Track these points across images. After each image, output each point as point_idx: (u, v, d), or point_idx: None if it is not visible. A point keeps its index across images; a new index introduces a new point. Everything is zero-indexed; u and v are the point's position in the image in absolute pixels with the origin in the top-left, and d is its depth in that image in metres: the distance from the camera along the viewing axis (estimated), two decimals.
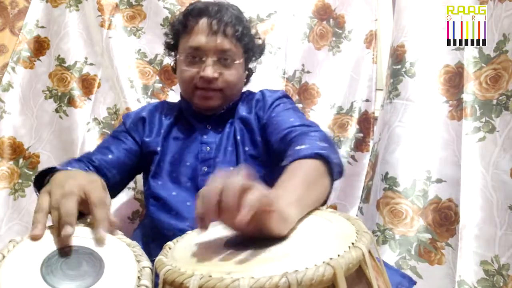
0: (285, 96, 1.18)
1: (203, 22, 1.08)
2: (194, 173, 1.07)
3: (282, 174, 0.77)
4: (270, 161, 1.06)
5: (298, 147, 0.84)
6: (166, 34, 1.21)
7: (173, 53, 1.21)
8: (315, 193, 0.75)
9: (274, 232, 0.56)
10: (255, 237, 0.56)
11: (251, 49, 1.17)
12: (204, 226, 0.55)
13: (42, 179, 0.87)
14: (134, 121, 1.16)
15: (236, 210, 0.50)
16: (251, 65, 1.24)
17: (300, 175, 0.76)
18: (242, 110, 1.14)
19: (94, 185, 0.69)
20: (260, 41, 1.23)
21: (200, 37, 1.07)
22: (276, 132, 1.01)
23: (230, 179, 0.52)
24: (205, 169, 1.06)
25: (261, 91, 1.18)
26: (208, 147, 1.09)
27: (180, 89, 1.18)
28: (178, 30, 1.14)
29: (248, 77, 1.25)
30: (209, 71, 1.05)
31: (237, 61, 1.10)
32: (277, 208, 0.56)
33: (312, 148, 0.82)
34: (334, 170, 0.82)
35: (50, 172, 0.85)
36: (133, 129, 1.15)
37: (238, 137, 1.09)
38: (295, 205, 0.64)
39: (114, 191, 1.09)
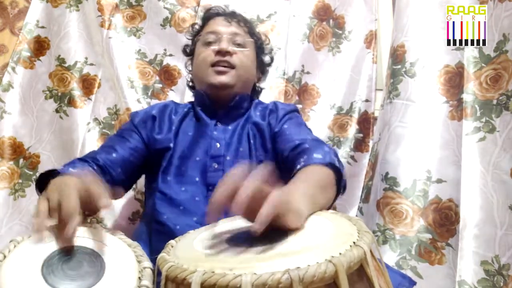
0: (297, 110, 1.24)
1: (220, 18, 1.23)
2: (203, 169, 1.09)
3: (295, 175, 0.82)
4: (277, 168, 1.09)
5: (315, 155, 0.90)
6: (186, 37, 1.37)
7: (187, 56, 1.34)
8: (324, 196, 0.79)
9: (291, 227, 0.58)
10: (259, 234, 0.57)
11: (260, 49, 1.27)
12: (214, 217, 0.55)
13: (44, 181, 0.87)
14: (143, 118, 1.18)
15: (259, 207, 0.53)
16: (262, 79, 1.34)
17: (314, 178, 0.81)
18: (256, 117, 1.18)
19: (92, 179, 0.69)
20: (268, 52, 1.36)
21: (216, 25, 1.21)
22: (288, 141, 1.05)
23: (251, 177, 0.55)
24: (216, 166, 1.09)
25: (274, 102, 1.24)
26: (218, 143, 1.12)
27: (195, 76, 1.26)
28: (197, 29, 1.29)
29: (259, 91, 1.34)
30: (224, 44, 1.16)
31: (249, 43, 1.22)
32: (292, 204, 0.59)
33: (326, 158, 0.88)
34: (341, 184, 0.88)
35: (51, 174, 0.86)
36: (142, 126, 1.17)
37: (252, 141, 1.13)
38: (307, 201, 0.66)
39: (121, 189, 1.11)
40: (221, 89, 1.15)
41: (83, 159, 1.04)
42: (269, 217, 0.52)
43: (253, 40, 1.25)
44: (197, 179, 1.08)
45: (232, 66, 1.15)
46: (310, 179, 0.80)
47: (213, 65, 1.15)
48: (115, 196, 1.09)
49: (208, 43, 1.19)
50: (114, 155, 1.08)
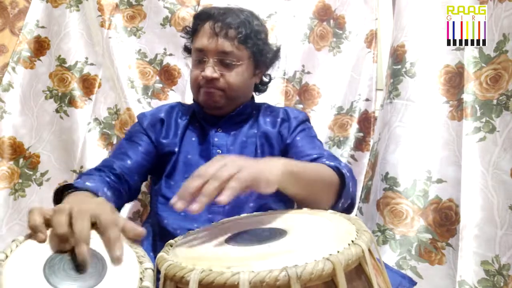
0: (308, 120, 1.22)
1: (207, 25, 1.10)
2: None
3: None
4: None
5: (326, 162, 0.92)
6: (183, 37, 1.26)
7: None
8: (318, 186, 0.81)
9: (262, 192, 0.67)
10: (255, 234, 0.57)
11: (258, 52, 1.14)
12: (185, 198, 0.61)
13: (60, 194, 0.87)
14: (152, 121, 1.17)
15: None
16: (268, 72, 1.25)
17: (312, 165, 0.84)
18: (265, 124, 1.16)
19: (102, 207, 0.66)
20: (272, 46, 1.22)
21: (203, 39, 1.09)
22: (302, 154, 1.05)
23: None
24: None
25: (285, 110, 1.21)
26: (219, 150, 1.11)
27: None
28: (190, 35, 1.19)
29: (265, 84, 1.27)
30: (209, 71, 1.06)
31: (239, 63, 1.10)
32: (262, 178, 0.66)
33: (336, 165, 0.89)
34: (344, 194, 0.88)
35: (68, 189, 0.86)
36: (151, 129, 1.15)
37: (259, 151, 1.12)
38: (283, 171, 0.72)
39: (134, 194, 1.11)
40: (212, 108, 1.14)
41: (100, 169, 1.02)
42: (236, 191, 0.60)
43: (246, 49, 1.12)
44: None
45: (221, 89, 1.10)
46: (306, 163, 0.81)
47: (201, 87, 1.10)
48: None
49: (197, 62, 1.11)
50: (129, 162, 1.06)
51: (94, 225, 0.65)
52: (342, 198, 0.89)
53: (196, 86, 1.12)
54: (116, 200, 0.95)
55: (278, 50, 1.24)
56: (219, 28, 1.07)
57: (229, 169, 0.63)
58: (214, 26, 1.08)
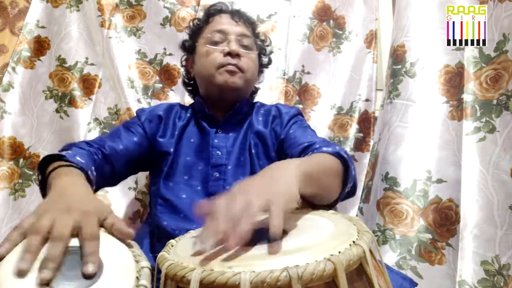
0: (300, 113, 1.22)
1: (226, 15, 1.19)
2: (205, 178, 1.08)
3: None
4: None
5: (324, 149, 0.89)
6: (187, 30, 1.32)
7: (186, 52, 1.29)
8: (328, 180, 0.79)
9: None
10: (256, 233, 0.57)
11: (263, 49, 1.28)
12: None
13: (46, 164, 0.86)
14: (149, 117, 1.17)
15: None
16: (259, 80, 1.32)
17: (317, 159, 0.82)
18: (258, 123, 1.16)
19: (89, 219, 0.61)
20: (269, 48, 1.34)
21: (222, 23, 1.17)
22: (296, 145, 1.04)
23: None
24: (217, 175, 1.08)
25: (277, 107, 1.21)
26: (219, 152, 1.10)
27: (199, 75, 1.20)
28: (199, 24, 1.24)
29: (255, 91, 1.33)
30: (234, 45, 1.12)
31: (254, 49, 1.20)
32: (290, 199, 0.62)
33: (336, 150, 0.87)
34: (349, 179, 0.86)
35: (55, 159, 0.85)
36: (148, 124, 1.15)
37: (253, 151, 1.11)
38: (299, 179, 0.67)
39: (116, 180, 1.12)
40: (228, 90, 1.13)
41: (91, 145, 1.01)
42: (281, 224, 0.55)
43: (257, 42, 1.23)
44: (199, 188, 1.07)
45: (240, 69, 1.12)
46: (312, 159, 0.81)
47: (222, 66, 1.11)
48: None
49: (214, 43, 1.14)
50: (120, 146, 1.07)
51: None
52: (347, 184, 0.87)
53: (215, 67, 1.12)
54: (97, 180, 0.93)
55: (271, 58, 1.34)
56: (238, 18, 1.19)
57: (259, 202, 0.57)
58: (232, 16, 1.19)
